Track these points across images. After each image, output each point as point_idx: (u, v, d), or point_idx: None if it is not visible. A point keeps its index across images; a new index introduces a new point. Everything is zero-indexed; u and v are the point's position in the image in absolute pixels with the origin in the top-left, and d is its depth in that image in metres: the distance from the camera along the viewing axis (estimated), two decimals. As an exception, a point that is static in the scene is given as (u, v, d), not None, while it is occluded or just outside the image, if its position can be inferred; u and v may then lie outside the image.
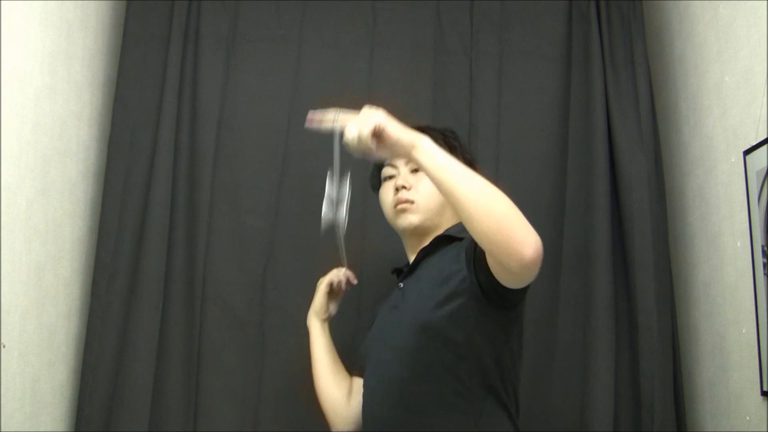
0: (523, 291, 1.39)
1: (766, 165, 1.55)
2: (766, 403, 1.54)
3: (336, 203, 1.42)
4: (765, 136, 1.56)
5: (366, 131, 1.26)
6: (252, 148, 2.01)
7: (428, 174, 1.28)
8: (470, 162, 1.66)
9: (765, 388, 1.54)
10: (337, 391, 1.66)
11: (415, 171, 1.60)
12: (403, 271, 1.61)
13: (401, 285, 1.57)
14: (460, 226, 1.53)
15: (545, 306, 1.92)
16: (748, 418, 1.61)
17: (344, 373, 1.69)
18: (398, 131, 1.28)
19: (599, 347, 1.82)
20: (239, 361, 1.91)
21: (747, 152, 1.63)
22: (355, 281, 1.76)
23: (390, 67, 2.07)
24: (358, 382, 1.62)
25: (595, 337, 1.84)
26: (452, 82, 2.07)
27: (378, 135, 1.27)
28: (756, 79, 1.60)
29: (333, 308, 1.76)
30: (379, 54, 2.08)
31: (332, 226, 1.44)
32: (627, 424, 1.81)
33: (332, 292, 1.76)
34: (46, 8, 1.66)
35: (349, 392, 1.66)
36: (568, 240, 1.95)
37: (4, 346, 1.48)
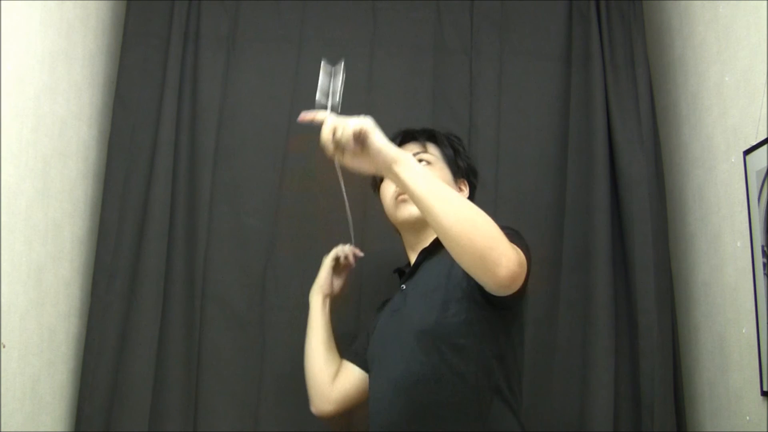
0: (522, 290, 1.40)
1: (766, 165, 1.55)
2: (766, 403, 1.54)
3: (330, 94, 1.36)
4: (765, 136, 1.56)
5: (350, 126, 1.22)
6: (252, 148, 2.01)
7: (407, 190, 1.24)
8: (471, 168, 1.67)
9: (765, 388, 1.54)
10: (325, 370, 1.68)
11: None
12: (405, 273, 1.61)
13: (403, 287, 1.57)
14: None
15: (545, 306, 1.92)
16: (748, 418, 1.61)
17: (335, 354, 1.71)
18: (384, 141, 1.25)
19: (599, 347, 1.83)
20: (239, 361, 1.91)
21: (747, 152, 1.63)
22: (361, 254, 1.76)
23: (390, 67, 2.07)
24: (347, 366, 1.67)
25: (595, 337, 1.84)
26: (452, 82, 2.07)
27: (362, 140, 1.24)
28: (756, 79, 1.60)
29: (337, 285, 1.76)
30: (379, 54, 2.08)
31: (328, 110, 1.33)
32: (627, 424, 1.81)
33: (338, 267, 1.76)
34: (46, 8, 1.66)
35: (336, 374, 1.68)
36: (568, 240, 1.95)
37: (4, 346, 1.48)
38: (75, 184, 1.84)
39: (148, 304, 1.85)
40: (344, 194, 1.51)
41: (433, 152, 1.63)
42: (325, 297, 1.74)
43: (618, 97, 1.99)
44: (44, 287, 1.67)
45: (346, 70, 2.05)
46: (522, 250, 1.30)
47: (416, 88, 2.06)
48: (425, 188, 1.23)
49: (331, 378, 1.68)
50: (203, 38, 2.04)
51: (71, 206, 1.82)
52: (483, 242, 1.19)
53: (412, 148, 1.62)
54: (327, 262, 1.76)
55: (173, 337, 1.88)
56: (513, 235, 1.35)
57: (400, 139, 1.64)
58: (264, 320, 1.93)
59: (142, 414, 1.80)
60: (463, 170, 1.65)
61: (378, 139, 1.24)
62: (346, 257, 1.75)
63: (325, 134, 1.24)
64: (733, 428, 1.67)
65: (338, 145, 1.23)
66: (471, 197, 1.67)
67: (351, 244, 1.75)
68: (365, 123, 1.24)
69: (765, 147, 1.55)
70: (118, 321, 1.85)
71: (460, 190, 1.64)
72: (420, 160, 1.59)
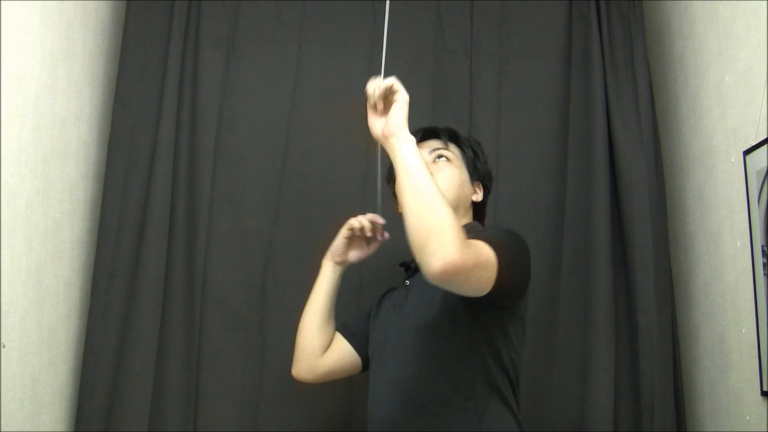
0: (518, 290, 1.40)
1: (766, 165, 1.55)
2: (766, 403, 1.54)
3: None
4: (765, 136, 1.56)
5: (385, 82, 1.37)
6: (252, 148, 2.01)
7: (395, 163, 1.32)
8: (488, 172, 1.66)
9: (765, 388, 1.54)
10: (317, 339, 1.66)
11: (437, 159, 1.59)
12: (411, 268, 1.61)
13: (407, 282, 1.57)
14: (468, 227, 1.53)
15: (545, 306, 1.92)
16: (748, 418, 1.61)
17: (331, 326, 1.69)
18: (401, 112, 1.35)
19: (599, 347, 1.83)
20: (239, 361, 1.91)
21: (747, 152, 1.63)
22: (382, 221, 1.66)
23: (390, 67, 2.06)
24: (338, 340, 1.67)
25: (595, 337, 1.84)
26: (452, 82, 2.07)
27: (388, 102, 1.37)
28: (756, 79, 1.60)
29: (354, 255, 1.70)
30: (379, 54, 2.07)
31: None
32: (627, 424, 1.82)
33: (358, 238, 1.68)
34: (46, 8, 1.66)
35: (328, 346, 1.67)
36: (568, 240, 1.95)
37: (4, 346, 1.48)
38: (75, 184, 1.84)
39: (148, 304, 1.85)
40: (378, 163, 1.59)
41: (453, 151, 1.62)
42: (335, 264, 1.69)
43: (618, 97, 1.99)
44: (44, 287, 1.67)
45: (348, 69, 2.07)
46: (498, 253, 1.28)
47: (416, 88, 2.05)
48: (409, 167, 1.29)
49: (321, 350, 1.66)
50: (203, 38, 2.04)
51: (71, 206, 1.82)
52: (430, 230, 1.20)
53: (434, 144, 1.62)
54: (343, 230, 1.69)
55: (173, 337, 1.88)
56: (499, 238, 1.34)
57: (422, 134, 1.63)
58: (264, 320, 1.93)
59: (142, 414, 1.80)
60: (480, 173, 1.64)
61: (400, 107, 1.35)
62: (362, 229, 1.66)
63: (371, 85, 1.40)
64: (733, 428, 1.67)
65: (372, 90, 1.38)
66: (484, 201, 1.66)
67: (377, 213, 1.65)
68: (403, 91, 1.37)
69: (765, 147, 1.55)
70: (118, 321, 1.85)
71: (475, 192, 1.63)
72: (440, 156, 1.59)
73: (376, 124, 1.39)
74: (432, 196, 1.24)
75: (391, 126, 1.34)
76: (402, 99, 1.36)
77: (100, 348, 1.83)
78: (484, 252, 1.26)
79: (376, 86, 1.38)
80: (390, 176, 1.72)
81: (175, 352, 1.87)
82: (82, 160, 1.88)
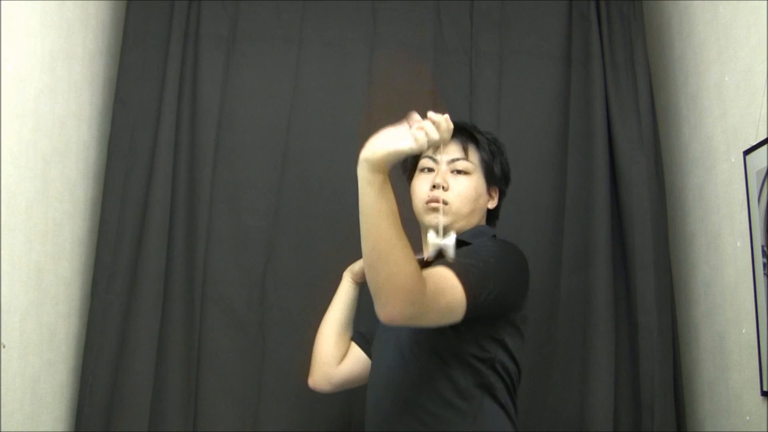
0: (507, 306, 1.41)
1: (766, 165, 1.55)
2: (766, 403, 1.54)
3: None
4: (765, 136, 1.56)
5: (432, 135, 1.20)
6: (252, 148, 2.01)
7: (359, 191, 1.22)
8: (505, 173, 1.63)
9: (765, 388, 1.54)
10: (333, 351, 1.66)
11: (455, 172, 1.56)
12: None
13: None
14: (474, 230, 1.53)
15: (545, 305, 1.92)
16: (748, 418, 1.61)
17: (347, 338, 1.70)
18: (394, 149, 1.21)
19: (599, 347, 1.83)
20: (239, 361, 1.91)
21: (747, 152, 1.63)
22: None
23: (390, 67, 2.07)
24: (353, 349, 1.67)
25: (595, 337, 1.84)
26: (452, 82, 2.07)
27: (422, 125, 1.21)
28: (756, 79, 1.60)
29: None
30: (378, 54, 2.08)
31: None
32: (627, 424, 1.82)
33: None
34: (46, 8, 1.66)
35: (343, 356, 1.67)
36: (568, 240, 1.95)
37: (4, 346, 1.48)
38: (75, 184, 1.84)
39: (148, 304, 1.85)
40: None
41: (472, 158, 1.57)
42: (355, 282, 1.71)
43: (618, 97, 1.99)
44: (44, 287, 1.67)
45: (348, 69, 2.07)
46: (469, 287, 1.28)
47: (416, 88, 2.06)
48: (370, 212, 1.21)
49: (337, 360, 1.66)
50: (203, 38, 2.04)
51: (71, 206, 1.82)
52: (379, 284, 1.21)
53: (453, 150, 1.57)
54: None
55: (173, 337, 1.88)
56: (479, 264, 1.34)
57: None
58: (264, 320, 1.93)
59: (142, 414, 1.80)
60: (496, 178, 1.60)
61: (400, 145, 1.20)
62: None
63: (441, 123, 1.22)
64: (733, 428, 1.67)
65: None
66: (498, 204, 1.63)
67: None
68: (429, 141, 1.20)
69: (765, 147, 1.55)
70: (118, 321, 1.85)
71: (491, 198, 1.61)
72: (459, 171, 1.55)
73: (390, 127, 1.24)
74: (387, 249, 1.20)
75: (373, 153, 1.20)
76: (410, 142, 1.20)
77: (100, 348, 1.83)
78: (445, 295, 1.26)
79: (442, 129, 1.21)
80: (408, 177, 1.68)
81: (175, 352, 1.87)
82: (82, 160, 1.88)
